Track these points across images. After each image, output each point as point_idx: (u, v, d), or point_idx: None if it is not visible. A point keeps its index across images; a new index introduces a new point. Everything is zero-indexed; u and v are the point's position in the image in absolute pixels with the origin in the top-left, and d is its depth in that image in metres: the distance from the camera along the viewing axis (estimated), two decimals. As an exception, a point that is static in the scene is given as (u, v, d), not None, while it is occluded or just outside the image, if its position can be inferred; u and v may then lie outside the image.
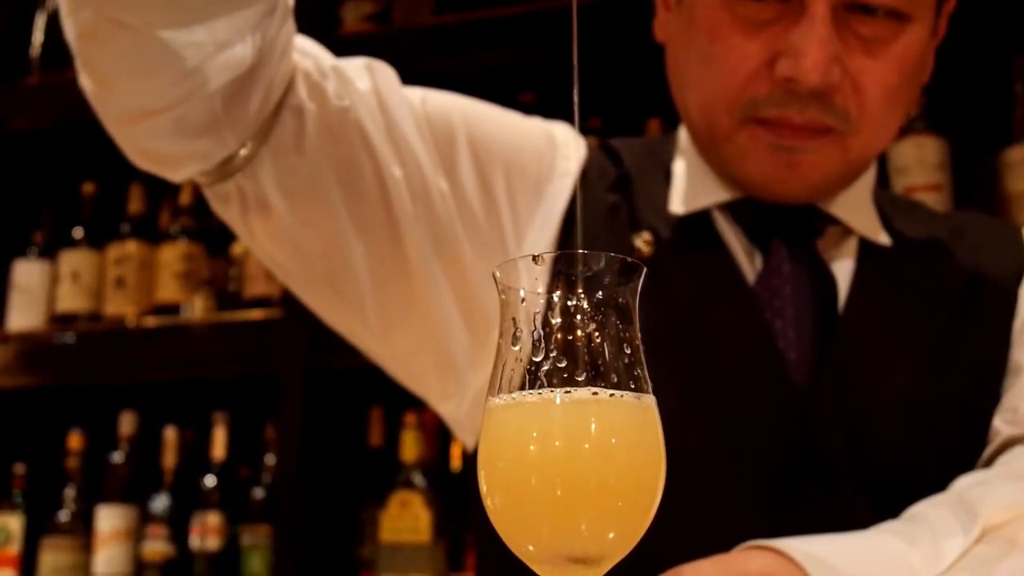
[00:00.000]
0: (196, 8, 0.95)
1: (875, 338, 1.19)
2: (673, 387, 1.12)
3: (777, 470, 1.12)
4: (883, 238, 1.25)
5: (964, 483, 1.10)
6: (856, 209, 1.25)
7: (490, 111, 1.26)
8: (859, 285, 1.21)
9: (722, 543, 1.11)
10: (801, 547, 0.93)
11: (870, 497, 1.13)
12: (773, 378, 1.15)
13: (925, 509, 1.05)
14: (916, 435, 1.16)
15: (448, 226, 1.18)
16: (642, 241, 1.20)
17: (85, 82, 1.02)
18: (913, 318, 1.21)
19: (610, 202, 1.24)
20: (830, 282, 1.20)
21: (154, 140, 1.04)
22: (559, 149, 1.27)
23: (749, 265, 1.22)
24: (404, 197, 1.15)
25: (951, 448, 1.17)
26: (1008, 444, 1.16)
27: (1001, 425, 1.17)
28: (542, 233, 1.22)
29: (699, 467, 1.12)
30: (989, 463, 1.17)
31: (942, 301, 1.23)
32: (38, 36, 2.72)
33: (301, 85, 1.08)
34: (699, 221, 1.24)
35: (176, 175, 1.11)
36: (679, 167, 1.29)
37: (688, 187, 1.26)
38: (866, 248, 1.25)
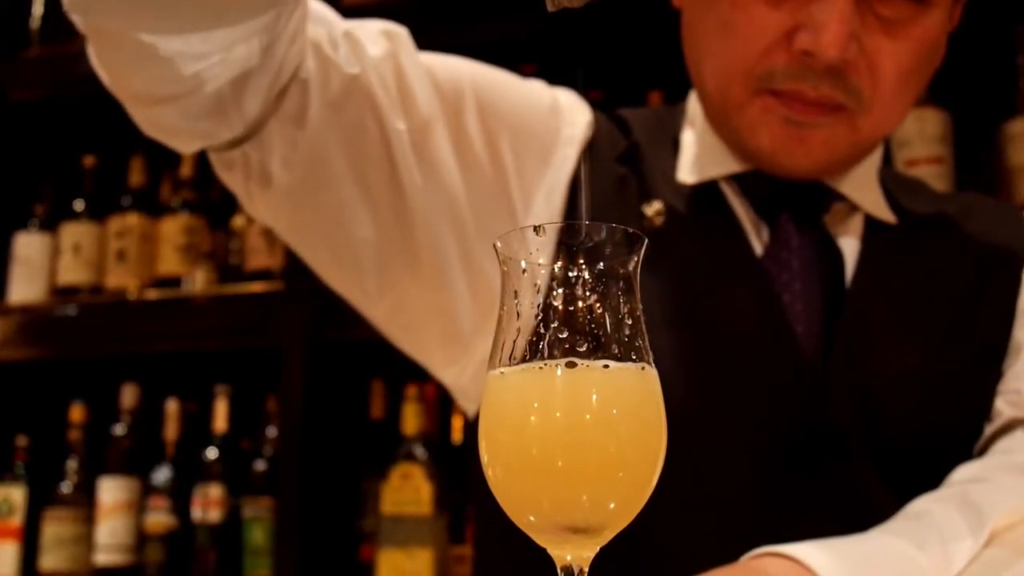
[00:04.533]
0: (190, 22, 0.93)
1: (883, 313, 1.19)
2: (683, 357, 1.12)
3: (786, 441, 1.13)
4: (888, 216, 1.25)
5: (966, 475, 1.10)
6: (862, 187, 1.25)
7: (498, 76, 1.26)
8: (866, 261, 1.22)
9: (732, 514, 1.12)
10: (816, 554, 0.93)
11: (879, 467, 1.14)
12: (782, 351, 1.15)
13: (930, 506, 1.05)
14: (924, 408, 1.16)
15: (456, 193, 1.18)
16: (653, 211, 1.20)
17: (95, 65, 1.03)
18: (920, 294, 1.22)
19: (619, 174, 1.24)
20: (837, 257, 1.21)
21: (163, 119, 1.04)
22: (564, 116, 1.27)
23: (756, 238, 1.22)
24: (411, 163, 1.15)
25: (958, 421, 1.18)
26: (1009, 426, 1.16)
27: (1003, 406, 1.17)
28: (549, 201, 1.22)
29: (708, 437, 1.12)
30: (989, 443, 1.17)
31: (949, 278, 1.23)
32: (38, 8, 2.72)
33: (311, 58, 1.07)
34: (708, 192, 1.24)
35: (185, 149, 1.12)
36: (687, 137, 1.29)
37: (697, 157, 1.26)
38: (872, 225, 1.25)
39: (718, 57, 1.19)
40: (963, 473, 1.11)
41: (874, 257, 1.22)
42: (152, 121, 1.06)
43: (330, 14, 1.13)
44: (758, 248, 1.21)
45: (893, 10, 1.14)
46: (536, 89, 1.29)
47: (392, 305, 1.24)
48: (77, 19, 0.94)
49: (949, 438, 1.17)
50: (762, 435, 1.13)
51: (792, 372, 1.15)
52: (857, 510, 1.11)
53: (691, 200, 1.23)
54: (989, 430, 1.18)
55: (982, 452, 1.18)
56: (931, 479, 1.13)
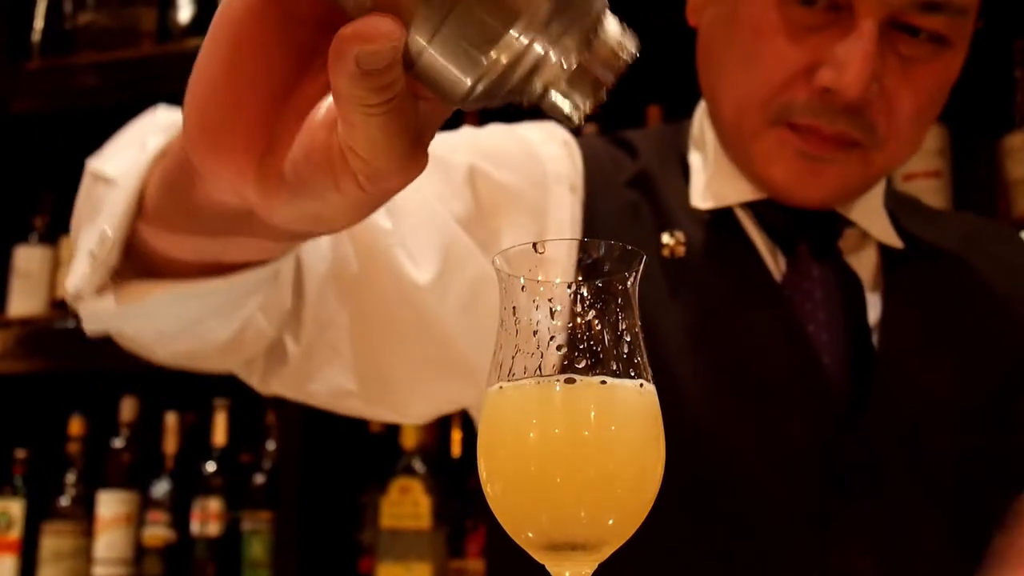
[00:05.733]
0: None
1: (914, 342, 1.19)
2: (710, 389, 1.12)
3: (817, 472, 1.12)
4: (895, 241, 1.25)
5: None
6: (871, 213, 1.26)
7: (484, 146, 1.24)
8: (891, 289, 1.22)
9: (766, 542, 1.11)
10: None
11: (917, 497, 1.13)
12: (810, 382, 1.15)
13: None
14: (964, 436, 1.16)
15: (469, 276, 1.16)
16: (674, 241, 1.20)
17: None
18: (946, 322, 1.22)
19: (630, 199, 1.23)
20: (857, 286, 1.20)
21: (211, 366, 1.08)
22: (541, 155, 1.25)
23: (774, 266, 1.21)
24: (411, 267, 1.12)
25: (999, 448, 1.17)
26: None
27: None
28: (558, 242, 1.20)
29: (736, 466, 1.12)
30: None
31: (970, 305, 1.23)
32: (39, 21, 2.72)
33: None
34: (725, 218, 1.23)
35: (219, 369, 1.16)
36: (696, 159, 1.28)
37: (711, 182, 1.25)
38: (886, 252, 1.25)
39: (737, 85, 1.19)
40: None
41: (897, 286, 1.22)
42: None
43: None
44: (776, 276, 1.21)
45: (915, 50, 1.13)
46: (505, 142, 1.26)
47: (421, 409, 1.26)
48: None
49: (992, 465, 1.16)
50: (791, 466, 1.13)
51: (821, 403, 1.14)
52: (898, 536, 1.11)
53: (709, 228, 1.23)
54: None
55: None
56: (973, 507, 1.13)
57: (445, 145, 1.22)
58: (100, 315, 0.90)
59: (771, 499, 1.12)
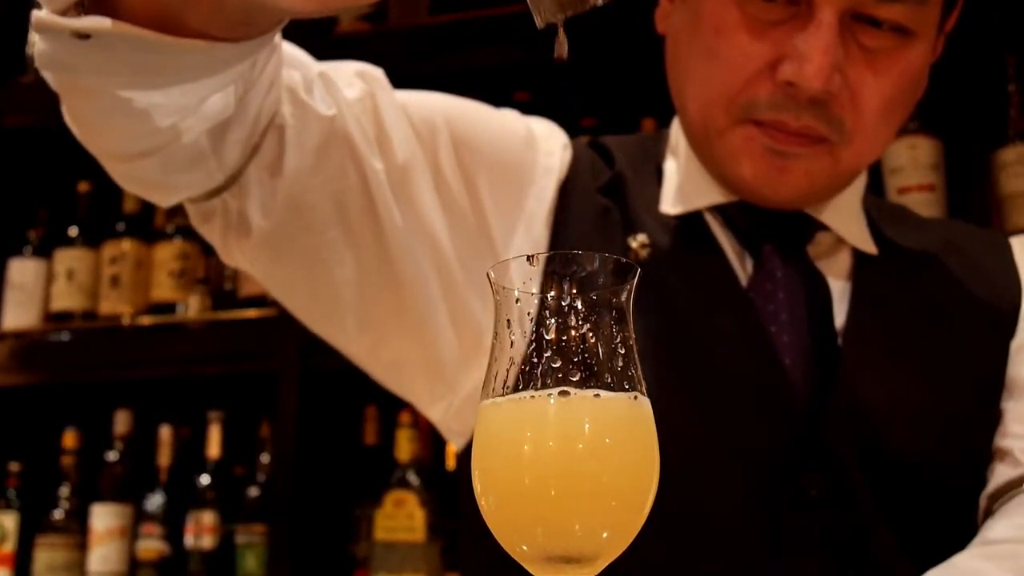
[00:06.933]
0: (168, 76, 0.89)
1: (878, 347, 1.19)
2: (671, 391, 1.12)
3: (779, 473, 1.12)
4: (870, 247, 1.25)
5: (1012, 534, 1.07)
6: (845, 216, 1.25)
7: (472, 111, 1.25)
8: (859, 293, 1.21)
9: (726, 545, 1.11)
10: None
11: (877, 501, 1.13)
12: (771, 382, 1.15)
13: (982, 566, 1.01)
14: (921, 440, 1.15)
15: (437, 232, 1.17)
16: (638, 244, 1.20)
17: (67, 121, 1.00)
18: (913, 327, 1.21)
19: (601, 205, 1.24)
20: (823, 288, 1.20)
21: (141, 173, 1.02)
22: (539, 146, 1.26)
23: (741, 268, 1.21)
24: (391, 204, 1.14)
25: (957, 456, 1.17)
26: (1009, 487, 1.14)
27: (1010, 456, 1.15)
28: (529, 234, 1.21)
29: (699, 469, 1.12)
30: (1008, 490, 1.14)
31: (939, 312, 1.23)
32: (33, 35, 2.72)
33: (287, 103, 1.06)
34: (692, 222, 1.24)
35: (164, 202, 1.10)
36: (670, 166, 1.29)
37: (681, 187, 1.26)
38: (859, 256, 1.25)
39: (702, 84, 1.19)
40: (1005, 531, 1.08)
41: (867, 289, 1.22)
42: (130, 176, 1.03)
43: (305, 57, 1.11)
44: (743, 279, 1.21)
45: (877, 41, 1.14)
46: (510, 121, 1.28)
47: (372, 344, 1.23)
48: (49, 76, 0.92)
49: (949, 472, 1.16)
50: (753, 467, 1.13)
51: (782, 403, 1.14)
52: (855, 542, 1.11)
53: (675, 231, 1.23)
54: (1008, 475, 1.15)
55: (995, 496, 1.15)
56: (930, 511, 1.13)
57: (447, 106, 1.23)
58: (54, 43, 0.88)
59: (728, 501, 1.12)
